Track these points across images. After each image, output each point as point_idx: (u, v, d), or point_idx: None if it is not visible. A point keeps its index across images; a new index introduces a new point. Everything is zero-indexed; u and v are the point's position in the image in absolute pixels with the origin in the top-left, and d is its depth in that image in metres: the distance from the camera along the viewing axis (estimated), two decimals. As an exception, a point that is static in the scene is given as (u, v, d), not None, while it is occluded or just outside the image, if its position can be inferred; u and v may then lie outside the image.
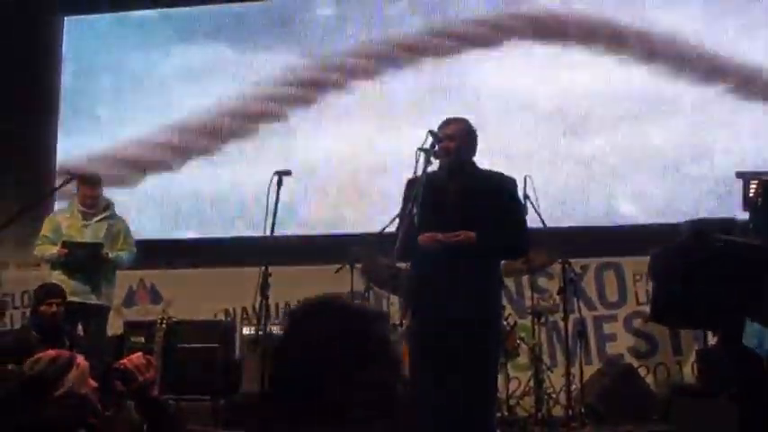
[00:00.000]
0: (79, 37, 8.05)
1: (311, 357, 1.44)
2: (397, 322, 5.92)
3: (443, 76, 7.37)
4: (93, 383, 2.69)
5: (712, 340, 4.95)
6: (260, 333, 4.86)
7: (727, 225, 2.41)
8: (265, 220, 4.70)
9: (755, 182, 2.19)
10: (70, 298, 5.45)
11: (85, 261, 5.68)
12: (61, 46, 8.05)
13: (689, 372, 6.29)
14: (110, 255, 5.78)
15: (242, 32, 7.75)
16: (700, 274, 2.04)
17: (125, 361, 2.61)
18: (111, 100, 7.86)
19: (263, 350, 4.76)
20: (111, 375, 2.62)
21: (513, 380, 5.95)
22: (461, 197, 4.04)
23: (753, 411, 1.96)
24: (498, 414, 5.37)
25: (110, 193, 6.23)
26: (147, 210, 7.45)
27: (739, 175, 2.25)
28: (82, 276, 5.70)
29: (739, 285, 1.99)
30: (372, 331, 1.51)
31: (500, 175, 4.21)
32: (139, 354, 2.66)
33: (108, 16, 8.04)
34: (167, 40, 7.84)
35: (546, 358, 6.12)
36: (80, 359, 2.69)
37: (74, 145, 7.75)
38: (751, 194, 2.18)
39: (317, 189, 7.38)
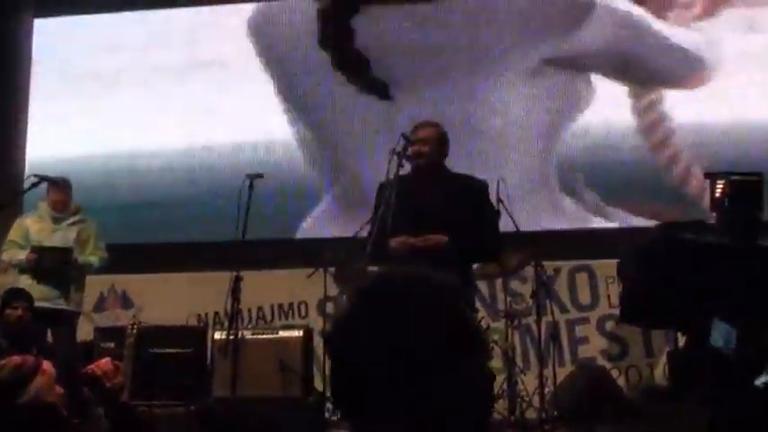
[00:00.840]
0: (50, 39, 7.97)
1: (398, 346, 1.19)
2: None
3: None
4: (61, 390, 2.66)
5: (683, 342, 4.99)
6: (231, 338, 4.83)
7: (699, 227, 2.43)
8: (237, 223, 4.69)
9: (722, 182, 2.20)
10: (39, 303, 5.39)
11: (55, 266, 5.62)
12: (31, 48, 7.97)
13: (660, 374, 6.34)
14: (79, 260, 5.72)
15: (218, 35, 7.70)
16: (667, 275, 2.05)
17: (93, 366, 2.59)
18: (82, 102, 7.77)
19: (233, 354, 4.73)
20: (79, 381, 2.60)
21: (487, 383, 5.95)
22: (433, 200, 4.05)
23: (721, 411, 1.98)
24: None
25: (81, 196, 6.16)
26: (119, 213, 7.37)
27: (707, 175, 2.27)
28: (51, 281, 5.63)
29: (706, 285, 2.01)
30: (472, 319, 1.27)
31: (472, 179, 4.23)
32: (107, 359, 2.64)
33: (79, 18, 7.97)
34: (140, 43, 7.77)
35: (519, 361, 6.13)
36: (46, 365, 2.67)
37: (44, 148, 7.66)
38: (717, 195, 2.20)
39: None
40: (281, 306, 6.90)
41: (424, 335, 1.19)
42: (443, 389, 1.18)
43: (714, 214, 2.27)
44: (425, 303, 1.22)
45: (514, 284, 6.31)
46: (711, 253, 2.07)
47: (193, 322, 6.73)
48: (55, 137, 7.69)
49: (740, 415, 1.89)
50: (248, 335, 5.48)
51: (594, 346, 6.56)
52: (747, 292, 1.97)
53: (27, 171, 7.24)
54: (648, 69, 6.93)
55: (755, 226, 2.16)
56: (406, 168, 4.08)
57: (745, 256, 2.09)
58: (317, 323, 6.36)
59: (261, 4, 7.66)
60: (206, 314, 6.80)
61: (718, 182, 2.21)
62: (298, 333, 5.65)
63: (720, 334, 1.89)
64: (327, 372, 6.19)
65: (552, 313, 6.17)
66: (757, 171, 2.23)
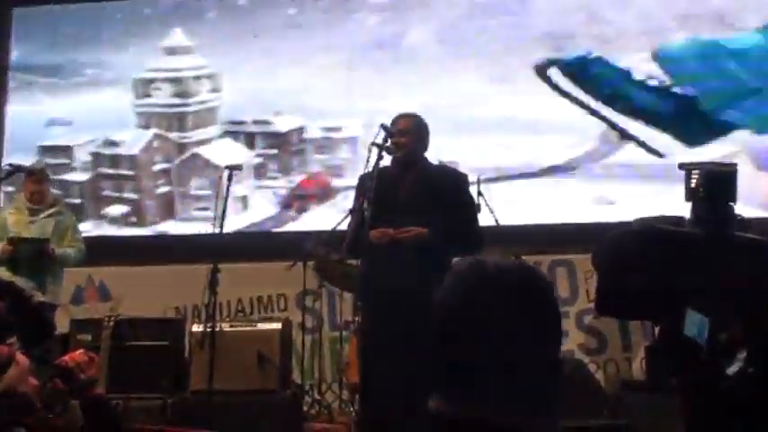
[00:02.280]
0: (28, 29, 7.88)
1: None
2: (349, 319, 5.93)
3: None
4: (35, 381, 2.63)
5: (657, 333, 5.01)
6: (208, 330, 4.80)
7: (679, 222, 2.44)
8: (214, 215, 4.66)
9: (697, 172, 2.22)
10: (15, 295, 5.33)
11: (31, 257, 5.57)
12: (9, 37, 7.88)
13: (638, 367, 6.37)
14: (56, 251, 5.67)
15: (198, 22, 7.64)
16: (641, 265, 2.06)
17: (66, 358, 2.55)
18: (61, 93, 7.70)
19: (211, 347, 4.71)
20: (52, 373, 2.56)
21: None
22: (413, 193, 4.05)
23: (695, 401, 1.99)
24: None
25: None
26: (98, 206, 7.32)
27: (681, 166, 2.28)
28: (27, 273, 5.57)
29: (679, 275, 2.02)
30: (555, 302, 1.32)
31: (451, 171, 4.23)
32: (81, 351, 2.60)
33: (58, 8, 7.89)
34: (119, 33, 7.71)
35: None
36: (20, 356, 2.63)
37: (22, 139, 7.58)
38: (692, 185, 2.21)
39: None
40: (260, 299, 6.88)
41: (528, 319, 1.24)
42: (535, 370, 1.22)
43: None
44: (536, 291, 1.27)
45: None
46: (684, 243, 2.08)
47: (171, 315, 6.69)
48: (34, 126, 7.61)
49: (713, 403, 1.90)
50: (226, 327, 5.45)
51: (573, 340, 6.58)
52: (720, 283, 1.98)
53: (3, 160, 7.18)
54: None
55: (728, 216, 2.17)
56: (387, 160, 4.07)
57: (718, 247, 2.10)
58: (296, 316, 6.33)
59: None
60: (184, 306, 6.77)
61: (693, 172, 2.22)
62: (276, 326, 5.63)
63: (693, 324, 1.90)
64: (305, 364, 6.20)
65: (531, 307, 6.17)
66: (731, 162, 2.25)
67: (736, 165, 2.27)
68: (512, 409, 1.21)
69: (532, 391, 1.23)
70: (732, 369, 1.84)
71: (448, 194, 4.07)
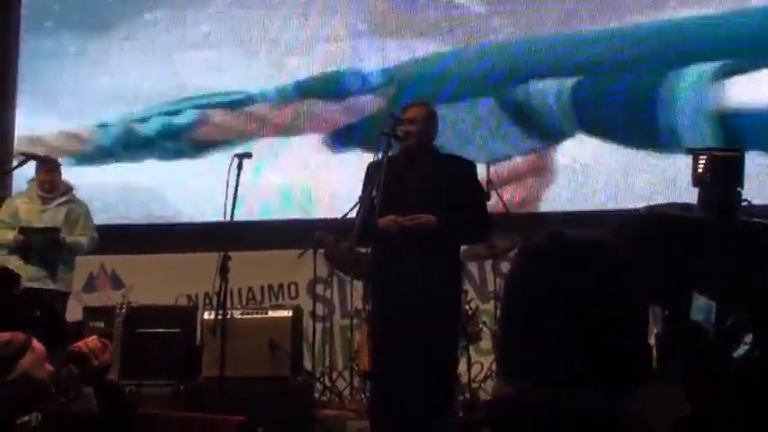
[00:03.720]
0: (37, 18, 7.90)
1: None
2: (360, 307, 5.96)
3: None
4: (50, 368, 2.66)
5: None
6: (220, 318, 4.83)
7: (687, 208, 2.45)
8: (225, 203, 4.68)
9: (704, 157, 2.22)
10: (27, 284, 5.39)
11: (42, 246, 5.61)
12: (18, 27, 7.90)
13: (648, 355, 6.37)
14: (68, 239, 5.71)
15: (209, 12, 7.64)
16: (650, 250, 2.07)
17: (80, 344, 2.58)
18: (71, 83, 7.72)
19: (222, 334, 4.74)
20: (66, 359, 2.59)
21: (476, 364, 5.98)
22: (422, 181, 4.06)
23: (701, 385, 2.01)
24: (461, 397, 5.41)
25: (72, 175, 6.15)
26: (108, 194, 7.34)
27: (689, 151, 2.28)
28: (39, 262, 5.62)
29: (686, 260, 2.03)
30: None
31: (460, 159, 4.24)
32: (94, 337, 2.63)
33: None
34: (127, 23, 7.71)
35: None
36: (36, 343, 2.66)
37: (32, 129, 7.61)
38: (700, 170, 2.21)
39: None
40: (270, 287, 6.91)
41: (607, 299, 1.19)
42: (613, 357, 1.17)
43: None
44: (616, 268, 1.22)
45: (504, 266, 6.32)
46: (692, 228, 2.09)
47: (183, 302, 6.73)
48: (44, 113, 7.64)
49: (719, 387, 1.92)
50: (238, 315, 5.49)
51: (582, 328, 6.58)
52: (726, 267, 1.99)
53: (15, 149, 7.22)
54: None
55: (735, 201, 2.18)
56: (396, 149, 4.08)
57: (724, 232, 2.11)
58: (307, 304, 6.36)
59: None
60: (196, 294, 6.81)
61: (701, 157, 2.23)
62: (287, 313, 5.66)
63: (700, 308, 1.91)
64: (316, 352, 6.24)
65: (541, 295, 6.18)
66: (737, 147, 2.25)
67: (742, 150, 2.28)
68: (587, 393, 1.16)
69: (612, 376, 1.18)
70: (738, 352, 1.85)
71: (456, 182, 4.08)
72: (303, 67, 7.28)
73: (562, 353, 1.17)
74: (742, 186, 2.23)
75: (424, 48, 7.14)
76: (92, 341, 2.58)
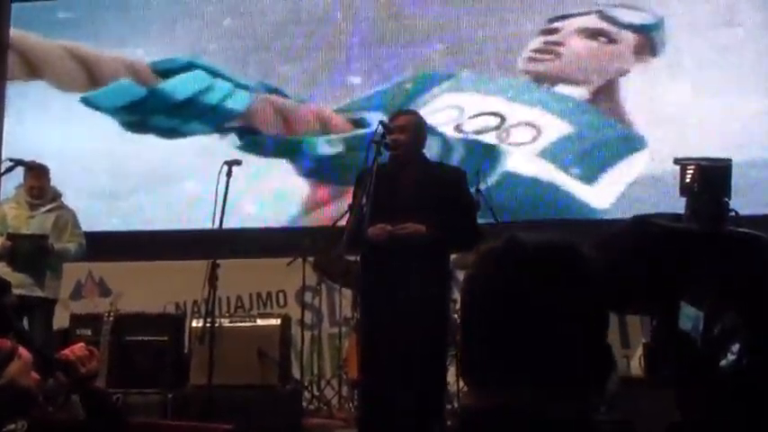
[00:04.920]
0: (27, 24, 7.89)
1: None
2: (349, 316, 5.95)
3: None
4: (36, 376, 2.64)
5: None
6: (208, 325, 4.82)
7: (675, 218, 2.46)
8: (214, 211, 4.67)
9: (692, 167, 2.23)
10: (14, 291, 5.34)
11: (30, 253, 5.58)
12: (8, 32, 7.88)
13: (636, 365, 6.39)
14: (55, 246, 5.68)
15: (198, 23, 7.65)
16: (638, 260, 2.08)
17: (66, 352, 2.57)
18: (60, 89, 7.70)
19: (210, 342, 4.72)
20: (53, 367, 2.58)
21: (465, 373, 5.98)
22: (412, 189, 4.06)
23: (690, 394, 2.02)
24: (449, 406, 5.41)
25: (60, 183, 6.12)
26: (97, 201, 7.32)
27: (676, 161, 2.29)
28: (26, 269, 5.59)
29: (674, 270, 2.04)
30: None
31: (450, 168, 4.25)
32: (81, 344, 2.62)
33: (57, 3, 7.89)
34: (118, 30, 7.71)
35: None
36: (23, 351, 2.64)
37: (21, 135, 7.59)
38: (687, 180, 2.22)
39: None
40: (259, 295, 6.90)
41: (569, 302, 1.18)
42: (572, 358, 1.16)
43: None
44: (576, 272, 1.20)
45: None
46: (680, 238, 2.10)
47: (171, 310, 6.71)
48: (32, 122, 7.62)
49: (707, 396, 1.93)
50: (226, 323, 5.47)
51: (572, 337, 6.59)
52: (714, 277, 2.00)
53: (3, 155, 7.18)
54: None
55: (722, 211, 2.19)
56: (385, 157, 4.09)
57: (712, 241, 2.12)
58: (295, 312, 6.35)
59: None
60: (184, 302, 6.79)
61: (688, 167, 2.24)
62: (275, 321, 5.65)
63: (688, 318, 1.92)
64: (304, 360, 6.22)
65: (530, 304, 6.19)
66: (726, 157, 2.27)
67: (730, 160, 2.29)
68: (551, 398, 1.15)
69: (573, 380, 1.16)
70: (726, 362, 1.86)
71: (446, 191, 4.08)
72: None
73: (521, 357, 1.15)
74: (729, 196, 2.24)
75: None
76: (78, 349, 2.57)
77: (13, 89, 7.79)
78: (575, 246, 1.23)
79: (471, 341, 1.21)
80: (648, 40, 6.96)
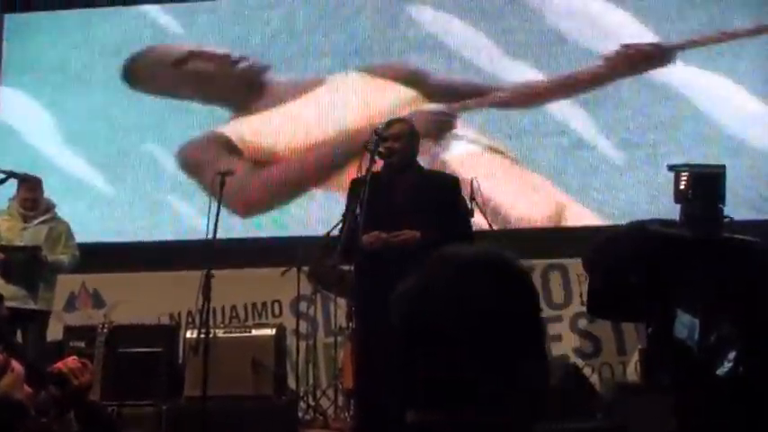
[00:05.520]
0: (21, 35, 7.87)
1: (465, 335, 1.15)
2: (344, 325, 5.93)
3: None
4: (29, 389, 2.61)
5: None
6: (202, 336, 4.80)
7: (671, 224, 2.46)
8: (208, 221, 4.66)
9: (686, 174, 2.24)
10: (8, 303, 5.32)
11: (23, 265, 5.55)
12: (1, 43, 7.87)
13: (632, 371, 6.38)
14: (49, 258, 5.65)
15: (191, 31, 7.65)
16: (635, 266, 2.08)
17: (59, 364, 2.55)
18: (54, 100, 7.69)
19: (205, 353, 4.70)
20: (46, 380, 2.55)
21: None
22: (406, 197, 4.06)
23: (686, 402, 2.01)
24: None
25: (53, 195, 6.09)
26: (91, 213, 7.29)
27: (670, 168, 2.30)
28: (19, 281, 5.56)
29: (670, 277, 2.04)
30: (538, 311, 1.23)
31: (443, 175, 4.25)
32: (74, 357, 2.59)
33: (51, 14, 7.87)
34: (112, 40, 7.70)
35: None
36: (15, 364, 2.61)
37: (15, 145, 7.57)
38: (681, 187, 2.23)
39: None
40: (254, 305, 6.87)
41: (503, 314, 1.17)
42: (506, 372, 1.15)
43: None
44: (504, 283, 1.20)
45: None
46: (675, 244, 2.10)
47: (166, 321, 6.68)
48: (25, 133, 7.61)
49: (702, 404, 1.92)
50: (221, 333, 5.45)
51: (568, 344, 6.60)
52: (709, 284, 2.00)
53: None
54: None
55: (717, 217, 2.20)
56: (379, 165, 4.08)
57: (707, 248, 2.12)
58: (290, 322, 6.33)
59: None
60: (179, 313, 6.76)
61: (682, 174, 2.25)
62: (270, 331, 5.63)
63: (684, 325, 1.91)
64: (300, 370, 6.20)
65: (526, 311, 6.19)
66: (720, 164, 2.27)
67: (724, 166, 2.30)
68: (493, 411, 1.14)
69: (513, 391, 1.16)
70: (722, 370, 1.85)
71: (440, 199, 4.08)
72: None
73: (457, 371, 1.15)
74: (724, 203, 2.24)
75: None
76: (71, 361, 2.54)
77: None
78: (505, 257, 1.23)
79: (411, 363, 1.20)
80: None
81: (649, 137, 6.91)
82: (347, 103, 7.24)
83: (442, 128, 6.95)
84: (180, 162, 7.34)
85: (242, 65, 7.38)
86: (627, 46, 6.97)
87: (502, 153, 7.05)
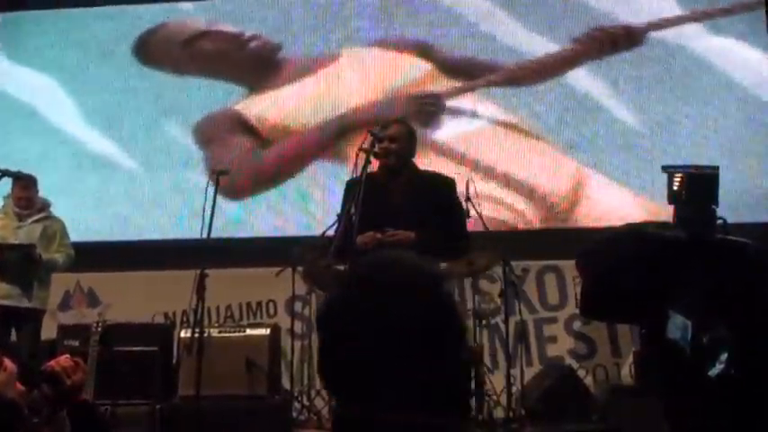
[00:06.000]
0: (14, 34, 7.86)
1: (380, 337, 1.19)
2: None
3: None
4: (21, 388, 2.61)
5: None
6: (196, 336, 4.79)
7: (665, 226, 2.46)
8: (202, 221, 4.65)
9: (679, 175, 2.24)
10: (2, 302, 5.32)
11: (17, 263, 5.54)
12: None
13: (627, 373, 6.39)
14: (43, 257, 5.64)
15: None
16: (629, 268, 2.08)
17: (52, 363, 2.54)
18: (48, 99, 7.67)
19: (199, 353, 4.69)
20: (39, 378, 2.55)
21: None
22: (402, 198, 4.06)
23: (679, 403, 2.01)
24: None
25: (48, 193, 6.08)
26: (86, 211, 7.28)
27: (665, 169, 2.31)
28: (14, 279, 5.55)
29: (663, 278, 2.04)
30: (458, 313, 1.26)
31: (439, 176, 4.24)
32: (67, 356, 2.59)
33: (45, 13, 7.86)
34: (106, 40, 7.69)
35: (487, 360, 6.15)
36: (7, 362, 2.61)
37: (10, 145, 7.55)
38: (675, 188, 2.23)
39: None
40: (249, 304, 6.86)
41: (406, 317, 1.20)
42: (424, 370, 1.18)
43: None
44: (409, 287, 1.23)
45: (483, 284, 6.32)
46: (668, 246, 2.10)
47: (160, 320, 6.67)
48: (20, 132, 7.59)
49: (696, 405, 1.92)
50: (215, 333, 5.44)
51: (562, 346, 6.60)
52: (702, 285, 2.00)
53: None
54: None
55: (710, 219, 2.20)
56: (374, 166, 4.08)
57: (700, 249, 2.12)
58: (285, 322, 6.32)
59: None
60: (173, 312, 6.75)
61: (676, 175, 2.25)
62: (265, 331, 5.62)
63: (676, 327, 1.91)
64: (294, 370, 6.19)
65: (520, 313, 6.20)
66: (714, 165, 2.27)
67: (717, 168, 2.30)
68: (409, 407, 1.17)
69: (432, 390, 1.19)
70: (715, 371, 1.85)
71: (436, 200, 4.08)
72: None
73: (376, 374, 1.19)
74: (717, 204, 2.24)
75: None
76: (64, 360, 2.54)
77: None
78: (418, 262, 1.27)
79: (330, 360, 1.25)
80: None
81: (672, 107, 6.91)
82: (364, 77, 7.20)
83: (428, 112, 6.93)
84: (195, 137, 7.30)
85: (254, 43, 7.32)
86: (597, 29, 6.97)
87: (519, 127, 7.03)
